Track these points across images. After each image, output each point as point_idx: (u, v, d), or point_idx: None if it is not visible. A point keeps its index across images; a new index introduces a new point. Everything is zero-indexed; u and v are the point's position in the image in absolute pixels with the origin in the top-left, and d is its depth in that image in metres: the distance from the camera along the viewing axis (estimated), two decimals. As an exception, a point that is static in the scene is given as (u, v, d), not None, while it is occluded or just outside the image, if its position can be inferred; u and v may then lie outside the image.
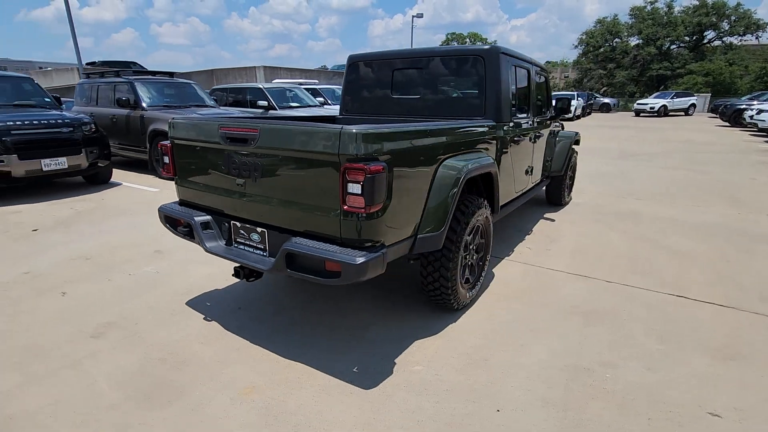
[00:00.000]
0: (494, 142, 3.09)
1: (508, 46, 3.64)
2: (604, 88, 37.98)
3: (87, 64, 17.11)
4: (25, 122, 5.62)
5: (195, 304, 2.94)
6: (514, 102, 3.42)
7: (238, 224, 2.35)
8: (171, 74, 8.82)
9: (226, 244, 2.43)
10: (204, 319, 2.75)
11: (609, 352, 2.42)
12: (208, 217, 2.46)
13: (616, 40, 37.36)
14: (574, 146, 5.51)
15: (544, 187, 5.45)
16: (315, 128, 1.91)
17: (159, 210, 2.68)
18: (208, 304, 2.94)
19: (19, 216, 5.01)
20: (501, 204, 3.42)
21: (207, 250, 2.38)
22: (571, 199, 5.83)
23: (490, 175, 2.92)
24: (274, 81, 19.11)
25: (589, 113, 27.25)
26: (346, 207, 1.87)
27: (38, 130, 5.67)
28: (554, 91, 37.01)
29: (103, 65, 12.95)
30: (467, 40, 59.59)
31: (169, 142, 2.58)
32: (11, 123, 5.47)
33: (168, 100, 7.94)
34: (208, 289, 3.13)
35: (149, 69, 8.89)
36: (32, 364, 2.28)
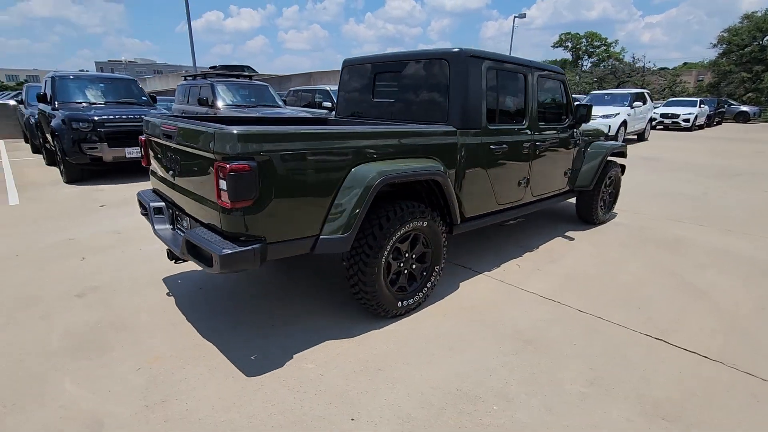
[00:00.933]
0: (455, 149, 2.96)
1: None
2: (748, 94, 32.28)
3: (210, 67, 19.35)
4: (116, 116, 6.75)
5: (169, 280, 3.33)
6: (492, 108, 3.22)
7: (177, 211, 2.64)
8: (250, 77, 9.78)
9: (171, 229, 2.74)
10: (166, 294, 3.11)
11: (518, 384, 2.20)
12: (162, 204, 2.79)
13: (769, 37, 31.50)
14: (613, 159, 4.94)
15: (571, 202, 4.99)
16: (200, 128, 2.09)
17: (137, 194, 3.10)
18: (179, 282, 3.30)
19: (98, 193, 6.06)
20: (471, 215, 3.26)
21: (154, 232, 2.71)
22: (610, 217, 5.21)
23: (438, 184, 2.82)
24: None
25: (719, 123, 23.44)
26: (219, 201, 2.01)
27: (125, 123, 6.77)
28: (682, 96, 32.51)
29: (223, 68, 14.50)
30: (583, 40, 55.17)
31: (144, 136, 2.98)
32: (105, 117, 6.63)
33: (241, 101, 8.83)
34: (188, 269, 3.51)
35: (270, 73, 10.02)
36: (19, 310, 2.83)
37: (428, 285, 2.93)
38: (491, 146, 3.22)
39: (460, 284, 3.36)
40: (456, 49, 2.99)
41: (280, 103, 9.34)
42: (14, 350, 2.40)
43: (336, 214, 2.33)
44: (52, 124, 6.71)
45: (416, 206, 2.69)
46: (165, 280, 3.33)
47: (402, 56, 3.32)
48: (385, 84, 3.49)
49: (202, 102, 8.44)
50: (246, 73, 9.98)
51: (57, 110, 6.91)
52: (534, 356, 2.45)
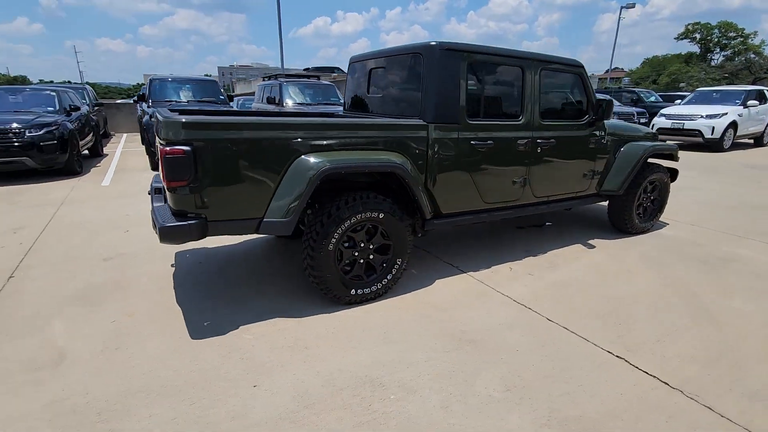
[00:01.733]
0: (425, 143, 2.95)
1: None
2: None
3: (304, 69, 20.75)
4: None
5: (180, 253, 3.80)
6: (474, 103, 3.13)
7: (167, 192, 3.04)
8: (318, 77, 10.40)
9: None
10: (171, 264, 3.57)
11: (429, 380, 2.17)
12: (162, 185, 3.22)
13: None
14: (655, 160, 4.40)
15: (603, 205, 4.54)
16: (159, 117, 2.40)
17: (153, 177, 3.60)
18: (187, 256, 3.76)
19: (170, 179, 6.98)
20: (450, 211, 3.22)
21: (151, 209, 3.14)
22: (654, 227, 4.63)
23: (402, 177, 2.83)
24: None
25: None
26: (163, 181, 2.31)
27: (199, 118, 7.70)
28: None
29: (315, 70, 15.34)
30: (714, 30, 48.08)
31: (157, 127, 3.45)
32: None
33: (308, 99, 9.44)
34: (200, 246, 3.96)
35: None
36: (60, 265, 3.48)
37: (388, 277, 2.96)
38: (472, 142, 3.13)
39: (437, 281, 3.32)
40: (433, 43, 2.97)
41: (341, 101, 9.79)
42: (37, 293, 2.99)
43: (279, 200, 2.50)
44: (143, 119, 7.89)
45: (371, 197, 2.75)
46: (177, 253, 3.81)
47: (388, 52, 3.37)
48: (377, 79, 3.57)
49: (270, 100, 9.20)
50: (335, 74, 10.64)
51: (150, 107, 8.10)
52: (465, 356, 2.37)
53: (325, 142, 2.61)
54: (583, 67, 3.75)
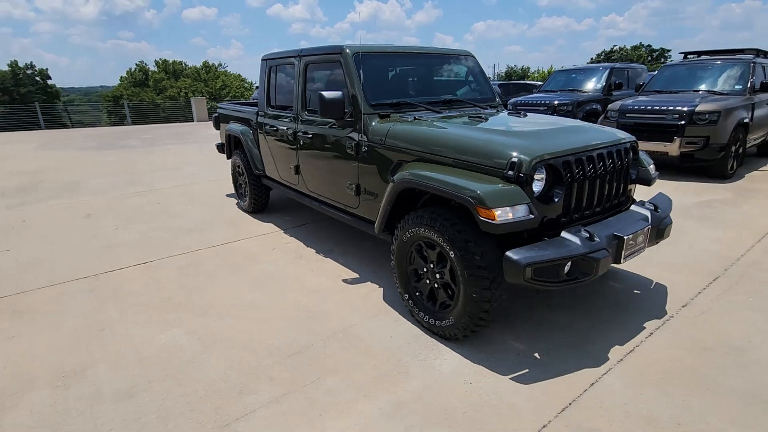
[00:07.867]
0: (255, 121, 4.44)
1: None
2: None
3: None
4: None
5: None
6: (271, 97, 4.16)
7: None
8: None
9: None
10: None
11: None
12: None
13: None
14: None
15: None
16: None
17: None
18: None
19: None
20: (267, 175, 4.53)
21: None
22: (458, 333, 2.38)
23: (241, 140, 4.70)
24: None
25: None
26: None
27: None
28: None
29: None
30: None
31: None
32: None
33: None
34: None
35: None
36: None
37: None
38: (267, 126, 4.18)
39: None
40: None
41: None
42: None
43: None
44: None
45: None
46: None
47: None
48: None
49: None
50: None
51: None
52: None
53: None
54: (340, 53, 3.04)
